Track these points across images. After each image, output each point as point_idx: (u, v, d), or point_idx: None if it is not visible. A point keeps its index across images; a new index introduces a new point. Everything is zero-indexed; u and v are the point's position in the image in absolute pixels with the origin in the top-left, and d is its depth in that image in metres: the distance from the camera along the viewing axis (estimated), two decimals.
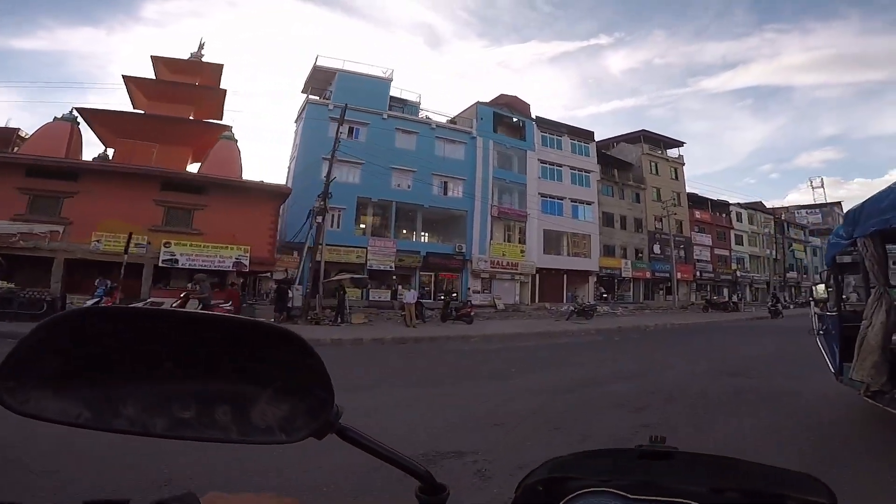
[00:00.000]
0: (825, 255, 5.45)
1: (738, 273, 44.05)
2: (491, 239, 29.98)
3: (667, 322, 18.81)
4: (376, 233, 27.70)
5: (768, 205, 54.62)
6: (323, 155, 20.34)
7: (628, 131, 43.79)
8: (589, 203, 34.70)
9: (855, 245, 4.05)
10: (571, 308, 20.89)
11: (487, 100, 33.31)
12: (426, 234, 31.24)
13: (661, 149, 41.83)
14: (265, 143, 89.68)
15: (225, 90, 24.42)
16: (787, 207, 63.27)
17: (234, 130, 22.58)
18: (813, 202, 67.70)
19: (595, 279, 34.22)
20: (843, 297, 4.94)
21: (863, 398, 3.89)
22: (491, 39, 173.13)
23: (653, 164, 40.33)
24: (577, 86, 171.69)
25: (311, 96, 28.58)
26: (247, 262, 18.86)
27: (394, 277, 26.22)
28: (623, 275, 35.62)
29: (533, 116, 34.36)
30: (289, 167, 29.50)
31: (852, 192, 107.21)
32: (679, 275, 37.27)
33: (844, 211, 47.06)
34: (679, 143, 43.66)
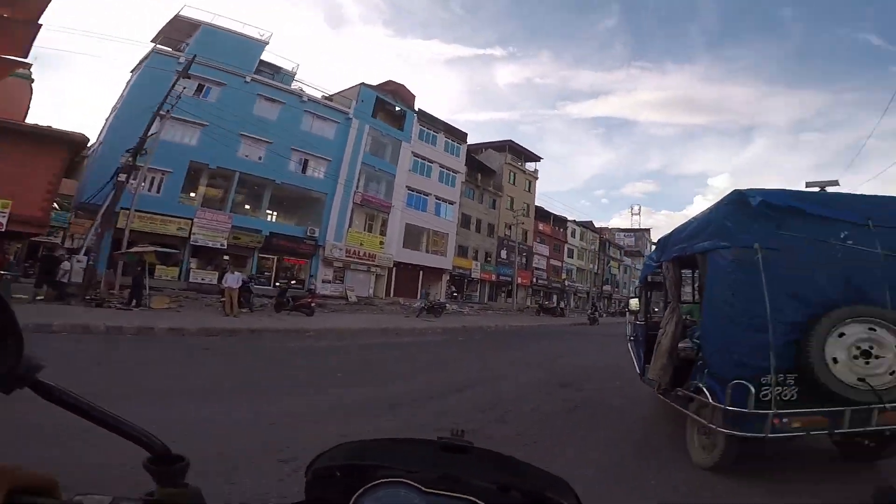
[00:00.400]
0: (640, 274, 6.25)
1: (567, 283, 49.93)
2: (350, 226, 28.22)
3: (506, 324, 19.64)
4: (209, 204, 23.70)
5: (597, 225, 63.05)
6: (153, 107, 16.31)
7: (497, 139, 46.24)
8: (452, 203, 35.14)
9: (661, 267, 4.79)
10: (422, 305, 20.49)
11: (374, 84, 31.63)
12: (274, 213, 28.00)
13: (521, 161, 44.82)
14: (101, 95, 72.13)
15: (40, 25, 18.07)
16: (609, 229, 73.67)
17: (31, 69, 17.05)
18: (630, 227, 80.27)
19: (448, 278, 34.90)
20: (650, 310, 5.82)
21: (657, 395, 4.64)
22: (396, 30, 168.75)
23: (512, 173, 42.86)
24: (462, 91, 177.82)
25: (159, 45, 23.39)
26: (3, 221, 14.04)
27: (225, 257, 22.67)
28: (473, 275, 37.07)
29: (416, 108, 33.60)
30: (107, 118, 23.98)
31: (659, 222, 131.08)
32: (519, 280, 40.31)
33: (652, 237, 56.50)
34: (538, 158, 47.46)
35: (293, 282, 21.85)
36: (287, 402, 4.76)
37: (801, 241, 3.24)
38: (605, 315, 41.50)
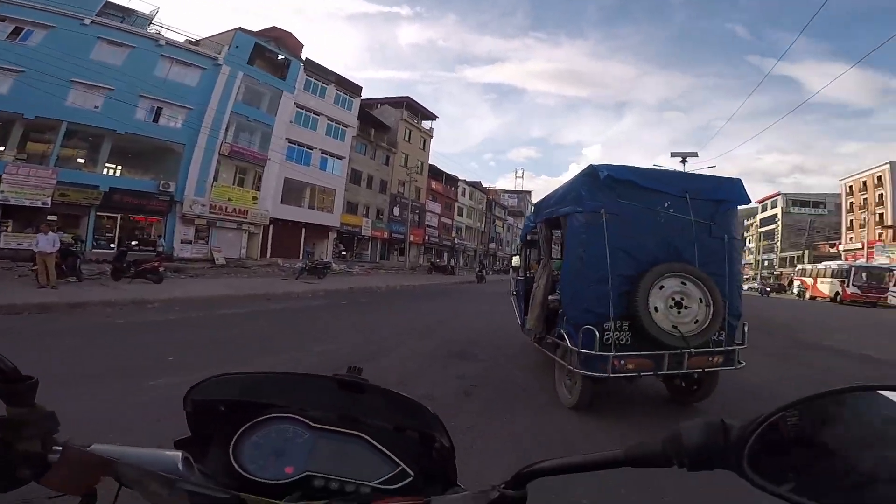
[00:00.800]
0: (521, 233, 6.77)
1: (457, 241, 51.05)
2: (215, 180, 24.93)
3: (397, 283, 19.02)
4: (30, 159, 19.57)
5: (484, 185, 64.82)
6: None
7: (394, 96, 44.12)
8: (340, 157, 33.09)
9: (536, 227, 5.28)
10: (303, 266, 18.82)
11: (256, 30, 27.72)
12: (118, 167, 23.67)
13: (418, 119, 43.87)
14: None
15: None
16: (495, 190, 76.49)
17: None
18: (514, 188, 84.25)
19: (336, 236, 33.09)
20: (528, 266, 6.24)
21: (534, 344, 5.00)
22: None
23: (408, 131, 41.71)
24: (362, 48, 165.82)
25: None
26: None
27: (51, 217, 18.40)
28: (364, 233, 35.76)
29: (303, 58, 30.45)
30: None
31: (539, 185, 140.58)
32: (412, 238, 39.98)
33: (532, 199, 60.48)
34: (434, 117, 46.79)
35: (135, 243, 18.56)
36: (78, 404, 3.42)
37: (635, 208, 3.74)
38: (490, 273, 43.34)
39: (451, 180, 51.09)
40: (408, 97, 43.25)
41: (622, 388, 4.47)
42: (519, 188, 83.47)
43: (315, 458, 0.58)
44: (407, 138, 41.83)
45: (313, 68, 31.28)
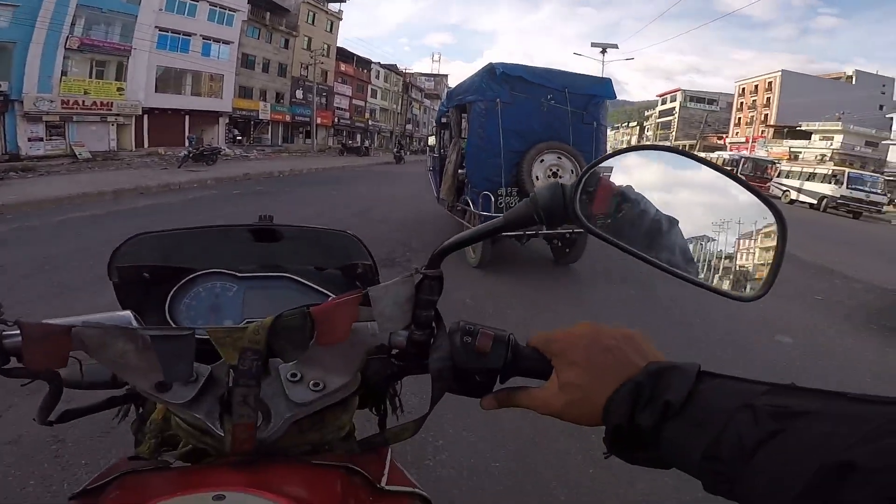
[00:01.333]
0: (436, 116, 7.29)
1: (371, 122, 47.75)
2: (64, 74, 21.42)
3: (304, 166, 17.36)
4: None
5: (400, 68, 59.45)
6: None
7: None
8: (227, 42, 29.00)
9: (448, 111, 5.91)
10: (185, 153, 16.24)
11: None
12: None
13: (323, 1, 38.22)
14: None
15: None
16: (412, 73, 71.29)
17: None
18: (430, 72, 79.04)
19: (227, 121, 29.27)
20: (442, 145, 6.60)
21: (447, 212, 5.82)
22: None
23: (312, 13, 37.10)
24: None
25: None
26: None
27: None
28: (261, 117, 32.19)
29: None
30: None
31: (454, 70, 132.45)
32: (319, 120, 36.81)
33: (449, 83, 57.18)
34: None
35: None
36: None
37: (524, 99, 4.47)
38: (408, 153, 41.62)
39: (364, 63, 46.24)
40: None
41: (517, 250, 5.33)
42: (436, 72, 78.65)
43: (250, 307, 0.59)
44: (310, 20, 37.04)
45: None
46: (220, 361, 0.49)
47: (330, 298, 0.53)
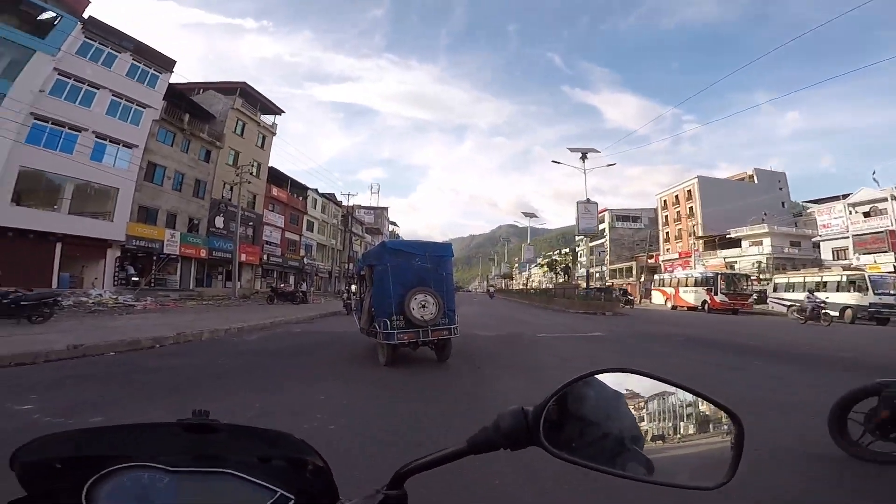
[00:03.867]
0: (356, 269, 11.36)
1: (307, 261, 42.69)
2: None
3: (209, 326, 10.71)
4: None
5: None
6: None
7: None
8: (129, 146, 23.94)
9: (363, 268, 8.32)
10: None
11: None
12: None
13: (256, 110, 35.58)
14: None
15: None
16: (351, 206, 70.27)
17: None
18: (370, 205, 78.93)
19: (118, 254, 22.86)
20: (361, 291, 8.72)
21: (366, 336, 7.84)
22: None
23: (241, 122, 33.71)
24: (199, 57, 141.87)
25: None
26: None
27: None
28: (167, 250, 25.73)
29: (85, 15, 22.30)
30: None
31: (392, 203, 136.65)
32: (244, 257, 31.16)
33: (389, 216, 55.28)
34: (278, 111, 38.72)
35: None
36: None
37: (403, 262, 6.86)
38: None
39: (299, 188, 43.09)
40: (244, 83, 34.97)
41: (410, 353, 7.31)
42: (375, 205, 78.64)
43: (184, 502, 0.53)
44: (239, 131, 33.64)
45: (100, 30, 22.91)
46: None
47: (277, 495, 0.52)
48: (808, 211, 44.32)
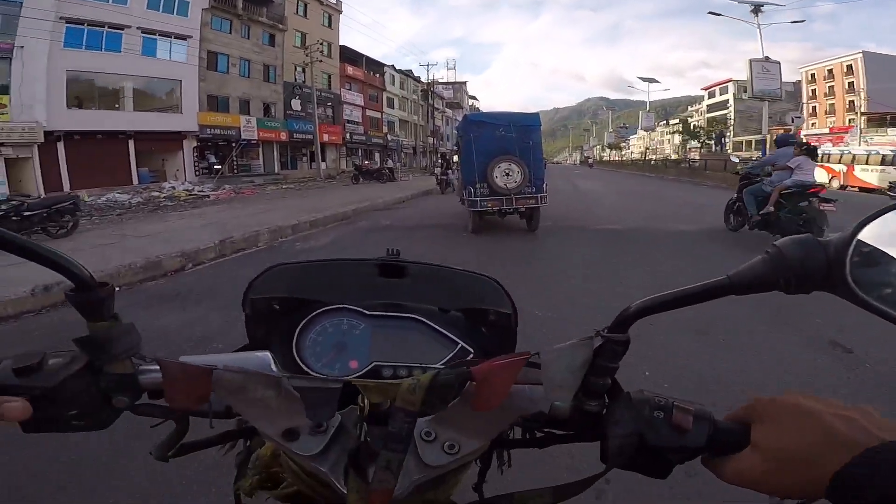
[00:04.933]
0: (455, 139, 10.76)
1: (390, 137, 39.42)
2: None
3: (278, 223, 7.90)
4: None
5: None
6: None
7: None
8: (182, 37, 21.38)
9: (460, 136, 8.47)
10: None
11: None
12: None
13: None
14: None
15: None
16: (431, 80, 64.41)
17: None
18: (447, 80, 71.96)
19: (195, 144, 21.31)
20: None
21: (462, 205, 8.34)
22: None
23: (303, 3, 29.58)
24: None
25: None
26: None
27: None
28: (244, 136, 23.89)
29: None
30: None
31: (469, 79, 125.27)
32: (326, 137, 28.66)
33: (468, 90, 48.76)
34: None
35: None
36: None
37: (485, 132, 7.03)
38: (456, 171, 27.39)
39: (375, 66, 38.54)
40: None
41: (498, 221, 7.80)
42: (452, 80, 71.17)
43: (377, 348, 0.56)
44: (301, 12, 29.70)
45: None
46: (349, 409, 0.49)
47: (490, 360, 0.46)
48: None
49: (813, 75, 48.19)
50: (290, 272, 0.61)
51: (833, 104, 44.50)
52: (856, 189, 20.79)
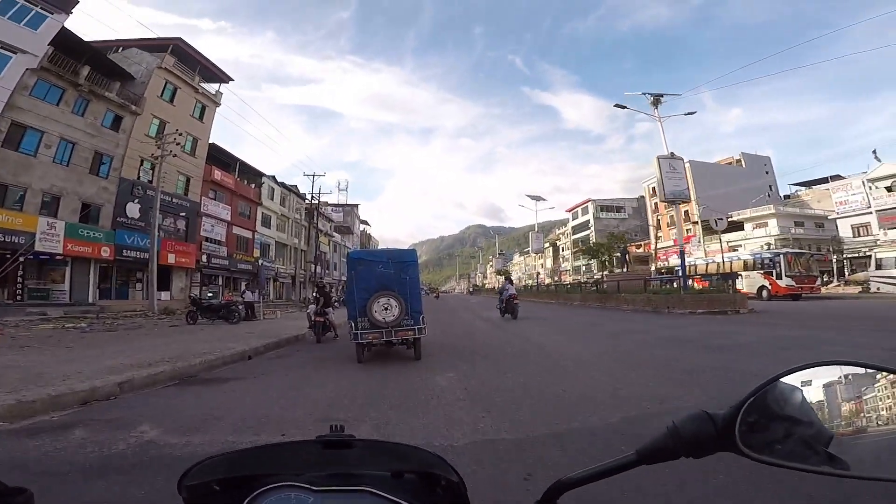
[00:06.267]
0: (347, 271, 8.88)
1: (263, 262, 34.23)
2: None
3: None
4: None
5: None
6: None
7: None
8: None
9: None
10: None
11: None
12: None
13: (195, 73, 27.25)
14: None
15: None
16: (318, 195, 62.32)
17: None
18: (337, 202, 71.03)
19: None
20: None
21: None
22: None
23: (171, 86, 25.71)
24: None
25: None
26: None
27: None
28: (46, 248, 17.38)
29: None
30: None
31: (358, 203, 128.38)
32: (173, 258, 22.88)
33: (360, 213, 47.31)
34: (225, 77, 30.17)
35: None
36: None
37: (365, 269, 7.30)
38: (338, 305, 17.38)
39: (251, 173, 34.88)
40: (179, 38, 26.94)
41: (385, 351, 7.70)
42: (343, 202, 70.53)
43: None
44: (167, 97, 25.73)
45: None
46: None
47: None
48: (797, 193, 45.87)
49: (654, 189, 50.23)
50: (225, 459, 0.62)
51: (673, 216, 48.19)
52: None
